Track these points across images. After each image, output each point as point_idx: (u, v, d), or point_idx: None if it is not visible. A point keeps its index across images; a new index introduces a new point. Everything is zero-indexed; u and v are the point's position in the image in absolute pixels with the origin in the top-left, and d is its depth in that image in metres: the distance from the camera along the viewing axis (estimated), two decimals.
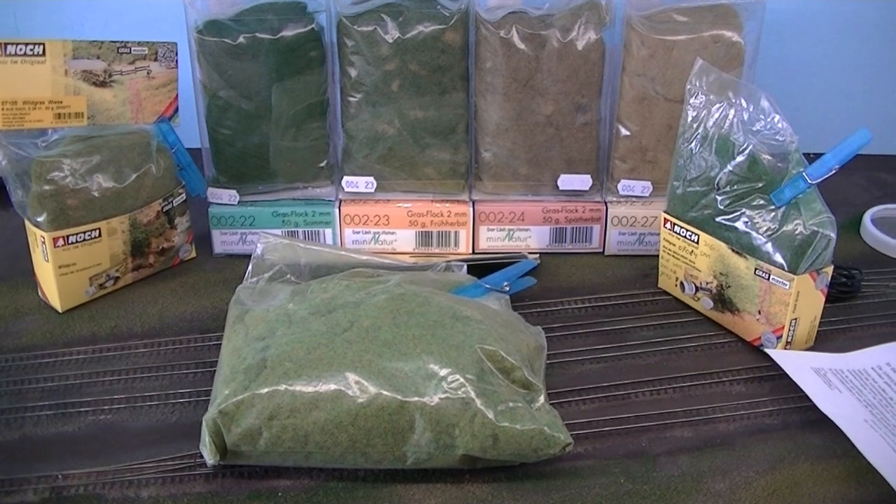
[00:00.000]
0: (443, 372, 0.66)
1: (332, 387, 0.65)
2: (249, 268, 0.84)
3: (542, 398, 0.68)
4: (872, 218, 1.03)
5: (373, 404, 0.64)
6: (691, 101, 0.83)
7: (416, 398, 0.65)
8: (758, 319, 0.81)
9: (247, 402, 0.65)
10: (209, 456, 0.65)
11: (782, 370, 0.75)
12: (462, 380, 0.65)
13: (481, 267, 0.87)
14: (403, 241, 0.97)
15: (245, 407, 0.65)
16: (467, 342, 0.68)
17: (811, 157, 0.78)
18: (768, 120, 0.78)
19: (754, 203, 0.79)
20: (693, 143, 0.82)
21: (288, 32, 0.90)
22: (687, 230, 0.85)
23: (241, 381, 0.66)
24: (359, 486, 0.66)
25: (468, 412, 0.64)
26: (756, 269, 0.79)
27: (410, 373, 0.66)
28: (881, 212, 1.04)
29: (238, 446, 0.65)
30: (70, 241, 0.84)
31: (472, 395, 0.65)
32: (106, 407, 0.75)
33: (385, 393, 0.65)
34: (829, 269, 0.79)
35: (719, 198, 0.81)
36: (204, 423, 0.65)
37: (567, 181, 0.96)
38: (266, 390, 0.65)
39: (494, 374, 0.67)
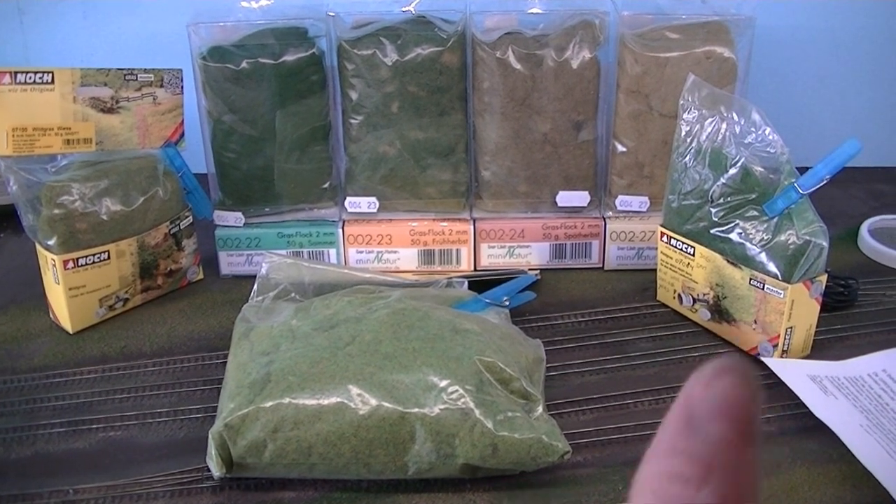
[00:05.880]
0: (442, 383, 0.67)
1: (335, 399, 0.66)
2: (255, 287, 0.85)
3: (540, 408, 0.69)
4: (870, 229, 1.04)
5: (374, 416, 0.66)
6: (684, 116, 0.84)
7: (417, 409, 0.66)
8: (754, 329, 0.82)
9: (252, 415, 0.66)
10: (216, 468, 0.66)
11: (779, 378, 0.76)
12: (461, 391, 0.67)
13: (483, 283, 0.89)
14: (406, 259, 0.99)
15: (250, 420, 0.66)
16: (466, 354, 0.70)
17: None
18: (759, 133, 0.79)
19: (748, 214, 0.80)
20: (687, 157, 0.84)
21: (289, 57, 0.92)
22: (683, 243, 0.86)
23: (246, 395, 0.68)
24: (362, 496, 0.68)
25: (468, 422, 0.66)
26: (751, 280, 0.80)
27: (411, 385, 0.67)
28: (878, 222, 1.05)
29: (244, 459, 0.66)
30: (80, 264, 0.86)
31: (472, 405, 0.66)
32: (116, 424, 0.76)
33: (386, 404, 0.66)
34: (823, 278, 0.80)
35: (713, 210, 0.82)
36: (210, 436, 0.67)
37: (565, 198, 0.97)
38: (270, 403, 0.66)
39: (493, 384, 0.69)
